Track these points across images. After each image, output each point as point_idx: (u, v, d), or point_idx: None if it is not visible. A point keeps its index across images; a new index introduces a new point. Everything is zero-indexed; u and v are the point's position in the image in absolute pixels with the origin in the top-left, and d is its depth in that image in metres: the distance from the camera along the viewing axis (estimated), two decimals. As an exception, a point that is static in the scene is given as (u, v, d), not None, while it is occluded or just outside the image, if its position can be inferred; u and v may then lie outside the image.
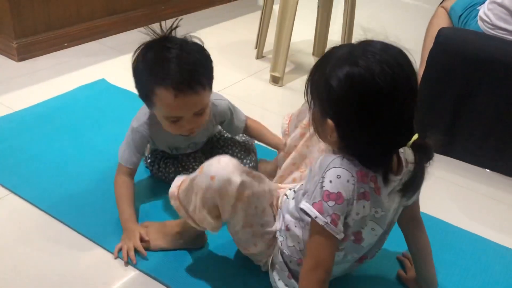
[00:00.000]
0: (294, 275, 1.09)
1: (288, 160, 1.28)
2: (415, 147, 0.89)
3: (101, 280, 1.16)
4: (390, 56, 0.86)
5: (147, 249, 1.22)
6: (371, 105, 0.85)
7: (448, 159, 1.78)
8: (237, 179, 1.01)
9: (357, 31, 2.51)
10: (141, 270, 1.18)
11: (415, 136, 0.89)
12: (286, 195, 1.12)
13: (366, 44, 0.89)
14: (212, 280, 1.17)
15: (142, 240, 1.22)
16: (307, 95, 0.95)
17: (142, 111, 1.34)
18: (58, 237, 1.26)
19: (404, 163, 0.96)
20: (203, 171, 1.04)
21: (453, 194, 1.62)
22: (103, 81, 2.04)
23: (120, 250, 1.22)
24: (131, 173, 1.34)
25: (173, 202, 1.12)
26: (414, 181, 0.93)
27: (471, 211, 1.55)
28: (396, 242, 1.17)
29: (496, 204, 1.60)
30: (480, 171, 1.75)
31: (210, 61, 1.23)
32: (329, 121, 0.90)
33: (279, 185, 1.20)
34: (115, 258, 1.21)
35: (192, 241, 1.24)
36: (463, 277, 1.27)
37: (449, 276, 1.25)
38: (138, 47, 1.23)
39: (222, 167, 1.02)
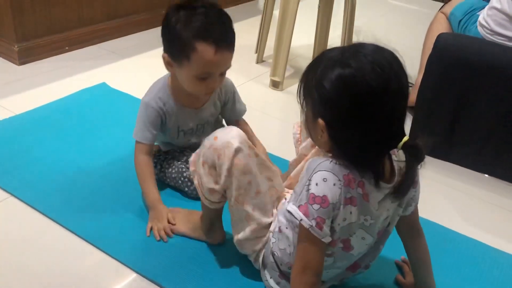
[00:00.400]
0: (285, 276, 1.10)
1: (298, 168, 1.28)
2: (405, 148, 0.89)
3: (100, 283, 1.16)
4: (382, 57, 0.87)
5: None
6: (361, 104, 0.86)
7: (447, 164, 1.78)
8: (235, 143, 1.07)
9: (355, 36, 2.53)
10: (140, 273, 1.19)
11: (406, 138, 0.89)
12: (285, 198, 1.13)
13: (358, 46, 0.90)
14: (210, 283, 1.17)
15: (168, 222, 1.30)
16: (299, 96, 0.97)
17: (153, 87, 1.39)
18: (58, 240, 1.27)
19: (397, 171, 0.96)
20: (211, 134, 1.12)
21: (451, 199, 1.63)
22: (103, 85, 2.04)
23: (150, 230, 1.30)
24: (149, 150, 1.38)
25: (191, 169, 1.17)
26: (404, 182, 0.93)
27: (470, 216, 1.55)
28: (394, 247, 1.17)
29: (494, 209, 1.60)
30: (478, 176, 1.76)
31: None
32: (320, 121, 0.91)
33: (286, 189, 1.21)
34: (148, 236, 1.28)
35: (210, 231, 1.27)
36: (461, 282, 1.27)
37: (447, 281, 1.25)
38: (168, 9, 1.27)
39: (227, 132, 1.10)
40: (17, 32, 2.11)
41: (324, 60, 0.91)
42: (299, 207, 0.93)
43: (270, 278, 1.13)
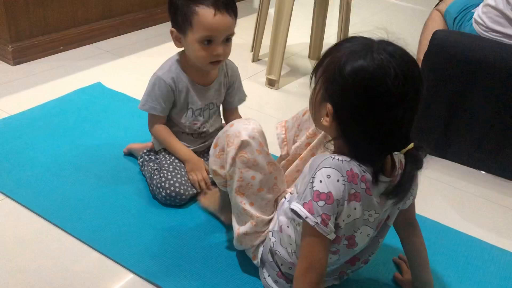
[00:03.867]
0: (285, 275, 1.10)
1: (292, 167, 1.28)
2: (407, 155, 0.90)
3: (96, 284, 1.16)
4: (406, 65, 0.87)
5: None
6: (375, 103, 0.86)
7: (444, 161, 1.78)
8: (243, 136, 1.09)
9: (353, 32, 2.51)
10: (136, 274, 1.18)
11: (411, 145, 0.90)
12: (285, 197, 1.13)
13: (387, 44, 0.89)
14: (207, 283, 1.17)
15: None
16: (313, 75, 0.96)
17: (165, 64, 1.43)
18: (54, 241, 1.26)
19: (398, 165, 0.97)
20: (231, 122, 1.16)
21: (448, 196, 1.63)
22: (99, 84, 2.03)
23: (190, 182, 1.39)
24: (162, 120, 1.45)
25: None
26: (400, 187, 0.93)
27: (466, 213, 1.56)
28: (392, 245, 1.17)
29: (491, 205, 1.60)
30: (475, 172, 1.76)
31: None
32: (329, 105, 0.91)
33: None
34: (198, 190, 1.39)
35: (223, 209, 1.32)
36: (458, 278, 1.27)
37: (445, 277, 1.26)
38: None
39: (244, 122, 1.13)
40: (11, 32, 2.09)
41: (348, 47, 0.90)
42: (303, 205, 0.92)
43: (268, 276, 1.13)
